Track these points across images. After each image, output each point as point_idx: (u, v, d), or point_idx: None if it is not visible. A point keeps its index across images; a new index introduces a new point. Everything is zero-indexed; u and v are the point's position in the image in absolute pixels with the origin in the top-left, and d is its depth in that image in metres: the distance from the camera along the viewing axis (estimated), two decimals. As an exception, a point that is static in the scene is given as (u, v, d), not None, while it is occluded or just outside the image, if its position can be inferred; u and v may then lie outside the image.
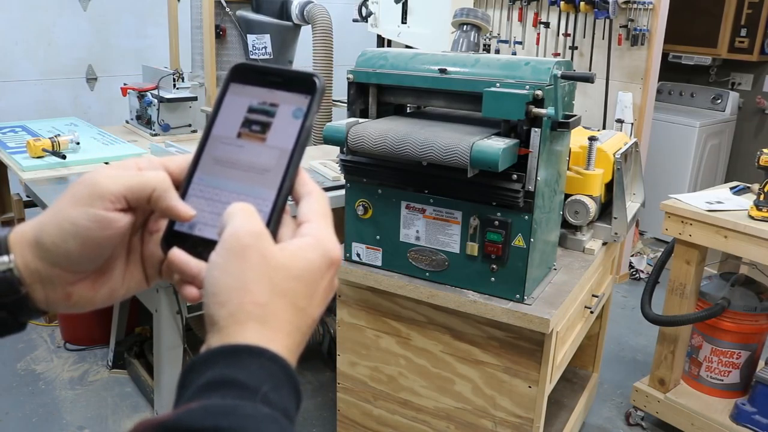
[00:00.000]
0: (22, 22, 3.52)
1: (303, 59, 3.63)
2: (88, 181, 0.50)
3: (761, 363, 2.41)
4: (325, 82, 2.95)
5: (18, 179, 2.37)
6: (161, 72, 3.00)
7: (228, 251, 0.47)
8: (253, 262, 0.46)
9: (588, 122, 3.13)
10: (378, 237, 1.75)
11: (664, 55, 4.07)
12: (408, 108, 1.94)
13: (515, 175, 1.51)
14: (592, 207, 1.89)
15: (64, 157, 2.44)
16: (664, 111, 4.45)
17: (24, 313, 0.51)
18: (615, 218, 1.99)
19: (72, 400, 2.60)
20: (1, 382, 2.69)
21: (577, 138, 1.97)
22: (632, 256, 4.08)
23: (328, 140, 1.62)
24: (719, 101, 4.52)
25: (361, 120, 1.68)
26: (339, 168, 1.77)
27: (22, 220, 3.02)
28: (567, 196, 1.89)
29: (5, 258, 0.50)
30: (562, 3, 3.61)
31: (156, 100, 2.91)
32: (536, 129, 1.48)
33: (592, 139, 1.93)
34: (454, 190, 1.59)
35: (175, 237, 0.52)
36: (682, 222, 2.26)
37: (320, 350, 2.84)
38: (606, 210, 2.05)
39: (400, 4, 2.88)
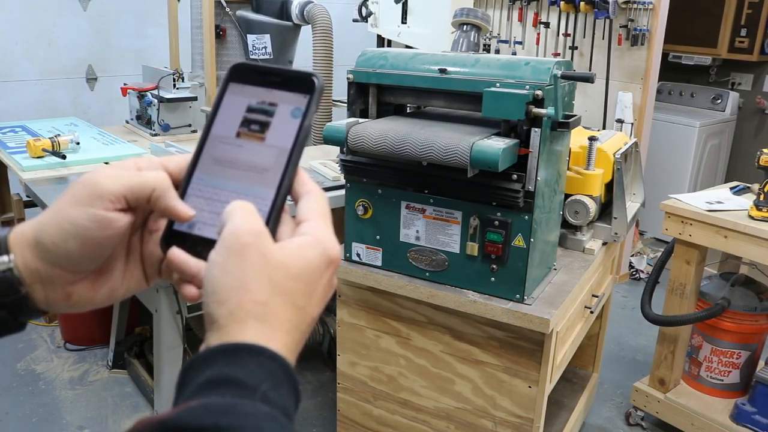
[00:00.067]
0: (22, 22, 3.52)
1: (303, 59, 3.63)
2: (87, 181, 0.50)
3: (761, 363, 2.41)
4: (325, 82, 2.93)
5: (18, 179, 2.37)
6: (161, 72, 3.00)
7: (227, 250, 0.47)
8: (253, 261, 0.46)
9: (588, 122, 3.13)
10: (378, 237, 1.75)
11: (664, 55, 4.07)
12: (408, 108, 1.94)
13: (515, 175, 1.51)
14: (592, 207, 1.89)
15: (64, 157, 2.44)
16: (664, 111, 4.45)
17: (24, 313, 0.51)
18: (615, 218, 1.99)
19: (72, 400, 2.60)
20: (1, 382, 2.69)
21: (577, 138, 1.97)
22: (632, 256, 4.08)
23: (328, 140, 1.62)
24: (719, 101, 4.52)
25: (361, 120, 1.68)
26: (339, 168, 1.77)
27: (22, 220, 3.02)
28: (567, 196, 1.89)
29: (5, 258, 0.50)
30: (562, 3, 3.61)
31: (156, 100, 2.92)
32: (536, 129, 1.48)
33: (592, 139, 1.93)
34: (454, 190, 1.59)
35: (175, 236, 0.52)
36: (682, 222, 2.26)
37: (320, 350, 2.84)
38: (606, 210, 2.05)
39: (400, 4, 2.88)
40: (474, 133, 1.50)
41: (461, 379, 1.77)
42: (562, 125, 1.55)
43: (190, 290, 0.50)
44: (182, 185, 0.53)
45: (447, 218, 1.64)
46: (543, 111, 1.45)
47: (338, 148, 1.66)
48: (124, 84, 3.14)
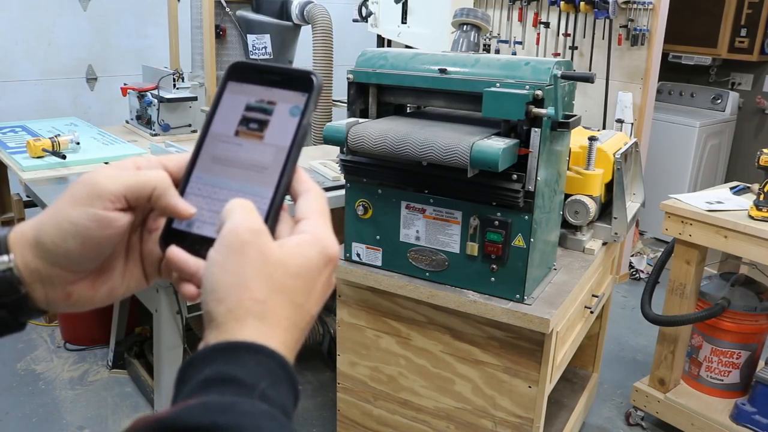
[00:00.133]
0: (22, 22, 3.52)
1: (303, 59, 3.63)
2: (87, 181, 0.50)
3: (761, 363, 2.41)
4: (325, 82, 2.92)
5: (18, 179, 2.37)
6: (161, 72, 3.00)
7: (227, 248, 0.47)
8: (252, 259, 0.46)
9: (588, 122, 3.13)
10: (378, 237, 1.75)
11: (664, 55, 4.07)
12: (408, 108, 1.94)
13: (515, 175, 1.51)
14: (592, 207, 1.89)
15: (64, 157, 2.44)
16: (664, 111, 4.45)
17: (24, 313, 0.52)
18: (615, 218, 1.99)
19: (72, 400, 2.60)
20: (1, 382, 2.69)
21: (577, 138, 1.97)
22: (632, 256, 4.08)
23: (328, 140, 1.63)
24: (719, 101, 4.52)
25: (361, 120, 1.68)
26: (339, 168, 1.77)
27: (22, 220, 3.02)
28: (567, 196, 1.89)
29: (5, 257, 0.50)
30: (562, 3, 3.61)
31: (156, 100, 2.92)
32: (536, 129, 1.48)
33: (592, 139, 1.92)
34: (454, 190, 1.59)
35: (174, 235, 0.52)
36: (682, 222, 2.26)
37: (320, 350, 2.84)
38: (606, 210, 2.05)
39: (400, 4, 2.88)
40: (474, 133, 1.50)
41: (461, 379, 1.77)
42: (562, 125, 1.55)
43: (189, 289, 0.50)
44: (181, 184, 0.53)
45: (447, 218, 1.64)
46: (543, 111, 1.45)
47: (338, 148, 1.66)
48: (124, 84, 3.14)
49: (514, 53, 3.94)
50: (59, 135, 2.54)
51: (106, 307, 2.73)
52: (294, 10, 3.28)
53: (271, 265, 0.47)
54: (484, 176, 1.50)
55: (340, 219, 1.78)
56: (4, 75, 3.52)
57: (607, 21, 3.56)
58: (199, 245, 0.50)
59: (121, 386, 2.70)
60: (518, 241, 1.56)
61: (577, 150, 1.94)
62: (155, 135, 2.97)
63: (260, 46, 3.31)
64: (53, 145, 2.47)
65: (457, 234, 1.63)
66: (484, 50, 1.87)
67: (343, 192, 1.80)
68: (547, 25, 3.83)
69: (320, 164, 2.51)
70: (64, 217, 0.49)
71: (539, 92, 1.45)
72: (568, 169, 1.88)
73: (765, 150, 2.14)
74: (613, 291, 2.52)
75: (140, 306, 2.53)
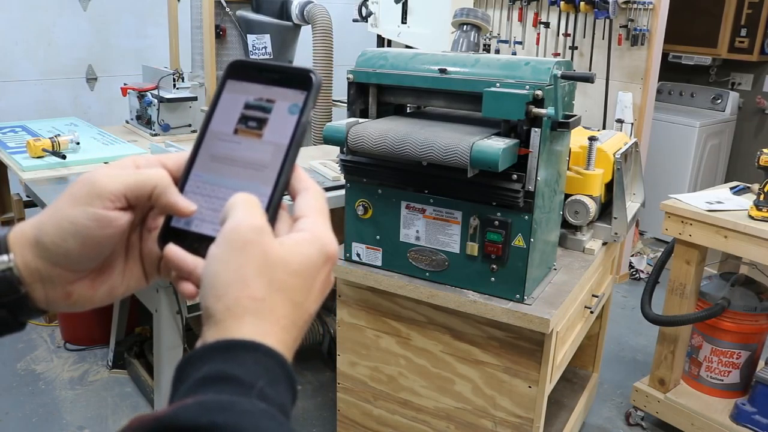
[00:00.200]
0: (22, 22, 3.52)
1: (303, 59, 3.63)
2: (86, 180, 0.50)
3: (761, 363, 2.41)
4: (325, 82, 2.92)
5: (18, 179, 2.36)
6: (161, 72, 3.00)
7: (228, 244, 0.47)
8: (253, 258, 0.46)
9: (588, 122, 3.13)
10: (378, 237, 1.75)
11: (664, 55, 4.07)
12: (408, 108, 1.94)
13: (515, 175, 1.51)
14: (592, 207, 1.89)
15: (64, 157, 2.44)
16: (664, 111, 4.45)
17: (24, 313, 0.51)
18: (615, 218, 1.99)
19: (72, 400, 2.60)
20: (1, 382, 2.69)
21: (577, 138, 1.97)
22: (632, 256, 4.08)
23: (328, 140, 1.62)
24: (719, 101, 4.52)
25: (361, 120, 1.68)
26: (339, 168, 1.77)
27: (22, 220, 3.02)
28: (567, 196, 1.89)
29: (5, 257, 0.50)
30: (562, 3, 3.61)
31: (156, 100, 2.92)
32: (536, 129, 1.48)
33: (592, 139, 1.92)
34: (454, 190, 1.59)
35: (172, 234, 0.52)
36: (682, 222, 2.26)
37: (320, 350, 2.84)
38: (606, 210, 2.05)
39: (400, 4, 2.88)
40: (474, 133, 1.50)
41: (461, 379, 1.77)
42: (562, 125, 1.55)
43: (187, 287, 0.50)
44: (180, 182, 0.53)
45: (447, 218, 1.64)
46: (543, 111, 1.45)
47: (338, 148, 1.66)
48: (124, 84, 3.14)
49: (514, 53, 3.94)
50: (59, 135, 2.54)
51: (106, 307, 2.73)
52: (294, 10, 3.28)
53: (271, 264, 0.47)
54: (484, 176, 1.50)
55: (340, 219, 1.78)
56: (4, 75, 3.52)
57: (607, 21, 3.56)
58: (198, 244, 0.50)
59: (121, 386, 2.70)
60: (518, 241, 1.56)
61: (577, 150, 1.94)
62: (155, 135, 2.97)
63: (260, 46, 3.31)
64: (53, 145, 2.47)
65: (457, 234, 1.63)
66: (484, 50, 1.87)
67: (343, 192, 1.80)
68: (547, 25, 3.83)
69: (320, 164, 2.51)
70: (64, 217, 0.49)
71: (539, 92, 1.45)
72: (568, 169, 1.88)
73: (765, 150, 2.14)
74: (613, 291, 2.52)
75: (140, 306, 2.53)
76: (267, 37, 3.32)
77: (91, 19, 3.75)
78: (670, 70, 4.64)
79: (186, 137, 2.96)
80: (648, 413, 2.55)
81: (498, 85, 1.49)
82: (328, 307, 2.65)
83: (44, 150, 2.45)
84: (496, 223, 1.57)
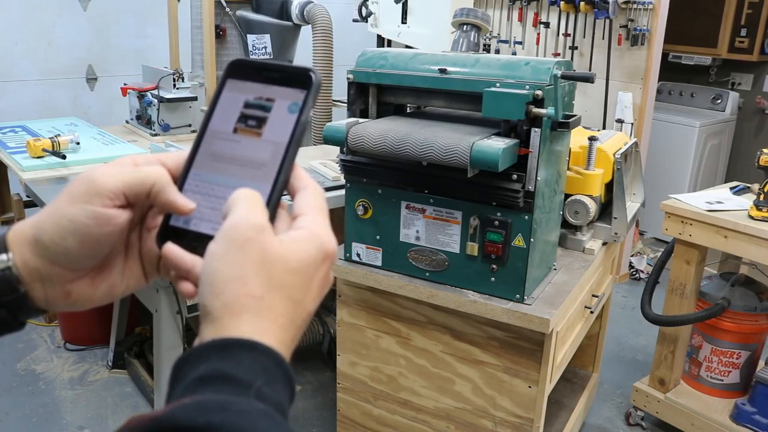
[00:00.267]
0: (22, 22, 3.52)
1: (303, 59, 3.63)
2: (85, 178, 0.50)
3: (761, 363, 2.41)
4: (325, 82, 2.92)
5: (18, 179, 2.37)
6: (161, 72, 3.00)
7: (228, 242, 0.46)
8: (252, 255, 0.46)
9: (588, 122, 3.13)
10: (378, 237, 1.75)
11: (664, 55, 4.07)
12: (408, 108, 1.94)
13: (515, 175, 1.51)
14: (592, 207, 1.89)
15: (64, 157, 2.44)
16: (664, 111, 4.45)
17: (23, 312, 0.51)
18: (615, 218, 1.99)
19: (72, 400, 2.60)
20: (1, 382, 2.69)
21: (577, 138, 1.97)
22: (632, 256, 4.08)
23: (328, 140, 1.62)
24: (719, 101, 4.52)
25: (361, 120, 1.68)
26: (339, 168, 1.77)
27: (22, 220, 3.02)
28: (567, 196, 1.89)
29: (4, 256, 0.50)
30: (562, 3, 3.61)
31: (156, 100, 2.92)
32: (536, 129, 1.48)
33: (592, 139, 1.92)
34: (454, 190, 1.59)
35: (171, 232, 0.52)
36: (682, 222, 2.26)
37: (320, 350, 2.84)
38: (606, 210, 2.05)
39: (400, 4, 2.88)
40: (474, 133, 1.50)
41: (461, 379, 1.77)
42: (562, 125, 1.55)
43: (186, 287, 0.50)
44: (179, 181, 0.53)
45: (447, 218, 1.64)
46: (543, 111, 1.45)
47: (338, 148, 1.66)
48: (124, 84, 3.14)
49: (514, 53, 3.94)
50: (59, 135, 2.54)
51: (106, 307, 2.73)
52: (294, 10, 3.28)
53: (269, 261, 0.46)
54: (484, 176, 1.50)
55: (340, 219, 1.78)
56: (4, 75, 3.52)
57: (607, 21, 3.56)
58: (197, 242, 0.50)
59: (121, 386, 2.70)
60: (518, 241, 1.56)
61: (577, 150, 1.94)
62: (155, 135, 2.97)
63: (260, 46, 3.31)
64: (53, 145, 2.47)
65: (457, 234, 1.63)
66: (484, 50, 1.87)
67: (343, 192, 1.80)
68: (547, 25, 3.83)
69: (320, 164, 2.51)
70: (63, 215, 0.49)
71: (539, 92, 1.45)
72: (568, 169, 1.88)
73: (765, 150, 2.14)
74: (613, 291, 2.52)
75: (140, 306, 2.53)
76: (267, 37, 3.32)
77: (91, 19, 3.75)
78: (670, 70, 4.64)
79: (186, 137, 2.96)
80: (648, 413, 2.55)
81: (498, 85, 1.49)
82: (327, 307, 2.65)
83: (44, 150, 2.45)
84: (496, 223, 1.57)
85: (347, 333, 1.93)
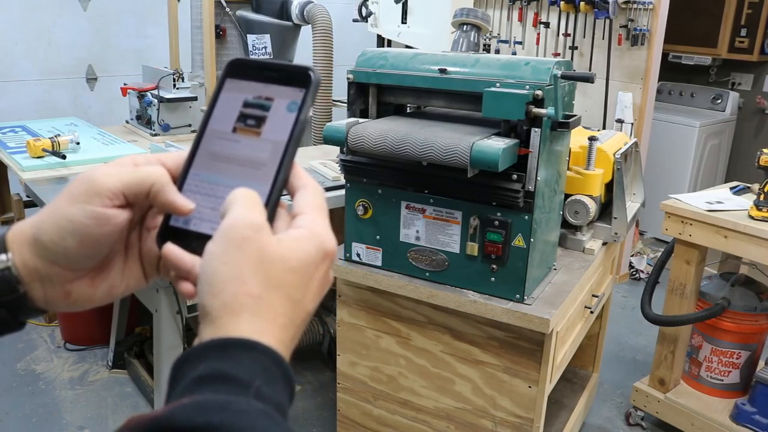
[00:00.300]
0: (22, 22, 3.52)
1: (303, 59, 3.63)
2: (85, 178, 0.50)
3: (761, 363, 2.41)
4: (325, 82, 2.92)
5: (18, 179, 2.37)
6: (161, 72, 3.00)
7: (226, 241, 0.46)
8: (250, 255, 0.46)
9: (588, 122, 3.13)
10: (378, 237, 1.75)
11: (664, 55, 4.07)
12: (408, 108, 1.94)
13: (515, 175, 1.51)
14: (592, 207, 1.89)
15: (64, 157, 2.44)
16: (664, 111, 4.45)
17: (23, 312, 0.51)
18: (615, 218, 1.99)
19: (72, 400, 2.60)
20: (1, 382, 2.69)
21: (577, 138, 1.97)
22: (632, 256, 4.08)
23: (328, 140, 1.62)
24: (719, 101, 4.52)
25: (361, 120, 1.68)
26: (339, 168, 1.77)
27: (22, 220, 3.02)
28: (567, 196, 1.89)
29: (4, 256, 0.50)
30: (562, 3, 3.61)
31: (156, 100, 2.92)
32: (536, 129, 1.48)
33: (592, 139, 1.92)
34: (454, 190, 1.59)
35: (171, 232, 0.52)
36: (682, 222, 2.26)
37: (320, 350, 2.84)
38: (606, 210, 2.05)
39: (400, 4, 2.88)
40: (474, 133, 1.50)
41: (461, 379, 1.77)
42: (562, 125, 1.55)
43: (186, 287, 0.50)
44: (179, 181, 0.52)
45: (447, 218, 1.64)
46: (543, 111, 1.45)
47: (338, 148, 1.66)
48: (124, 84, 3.14)
49: (514, 53, 3.94)
50: (59, 135, 2.54)
51: (106, 307, 2.73)
52: (294, 10, 3.28)
53: (268, 261, 0.46)
54: (484, 176, 1.50)
55: (340, 219, 1.78)
56: (4, 75, 3.52)
57: (607, 21, 3.56)
58: (197, 243, 0.50)
59: (121, 386, 2.70)
60: (518, 241, 1.56)
61: (577, 150, 1.94)
62: (155, 135, 2.97)
63: (260, 46, 3.32)
64: (53, 145, 2.47)
65: (457, 234, 1.63)
66: (484, 50, 1.87)
67: (343, 192, 1.80)
68: (547, 25, 3.83)
69: (320, 164, 2.51)
70: (63, 215, 0.49)
71: (539, 92, 1.45)
72: (568, 169, 1.88)
73: (765, 150, 2.14)
74: (613, 291, 2.52)
75: (140, 306, 2.53)
76: (267, 37, 3.32)
77: (91, 19, 3.75)
78: (670, 70, 4.64)
79: (186, 137, 2.96)
80: (648, 413, 2.55)
81: (498, 85, 1.49)
82: (327, 307, 2.65)
83: (44, 150, 2.45)
84: (496, 223, 1.56)
85: (347, 333, 1.93)
